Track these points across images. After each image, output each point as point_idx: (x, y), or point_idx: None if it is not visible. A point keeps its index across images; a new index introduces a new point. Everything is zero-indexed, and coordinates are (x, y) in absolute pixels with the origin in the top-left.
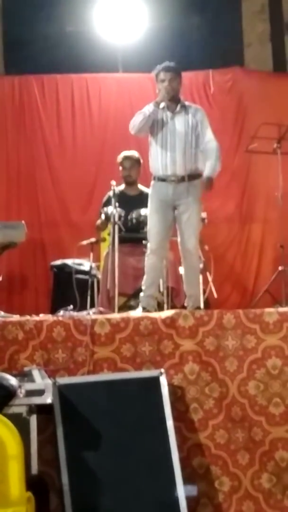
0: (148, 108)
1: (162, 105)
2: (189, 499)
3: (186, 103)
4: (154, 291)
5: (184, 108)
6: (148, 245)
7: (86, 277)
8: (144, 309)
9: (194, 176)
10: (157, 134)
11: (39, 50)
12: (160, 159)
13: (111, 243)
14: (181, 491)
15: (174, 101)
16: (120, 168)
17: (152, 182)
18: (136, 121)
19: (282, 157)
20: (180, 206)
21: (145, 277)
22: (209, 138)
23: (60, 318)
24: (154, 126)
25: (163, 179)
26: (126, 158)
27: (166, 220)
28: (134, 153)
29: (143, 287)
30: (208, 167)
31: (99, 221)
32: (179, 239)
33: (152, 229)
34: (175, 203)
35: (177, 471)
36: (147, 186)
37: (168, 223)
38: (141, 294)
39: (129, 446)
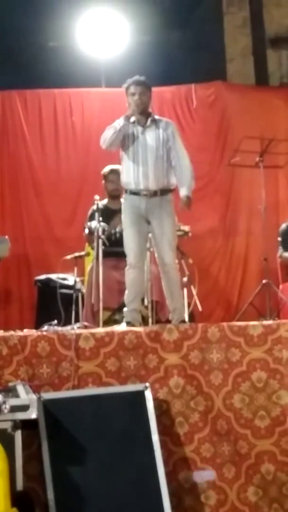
0: (119, 122)
1: (132, 119)
2: None
3: (156, 117)
4: (137, 305)
5: (155, 122)
6: (127, 259)
7: (71, 291)
8: (129, 324)
9: (166, 190)
10: (128, 148)
11: (21, 65)
12: (132, 174)
13: (95, 257)
14: (167, 505)
15: (144, 115)
16: (104, 181)
17: (124, 195)
18: (106, 136)
19: (264, 170)
20: (153, 221)
21: (126, 292)
22: (181, 154)
23: (45, 333)
24: (125, 140)
25: (136, 193)
26: (113, 171)
27: (142, 233)
28: (119, 167)
29: (126, 302)
30: (185, 186)
31: (85, 235)
32: (156, 254)
33: (129, 243)
34: (148, 217)
35: (163, 485)
36: None
37: (144, 236)
38: (125, 309)
39: (114, 461)
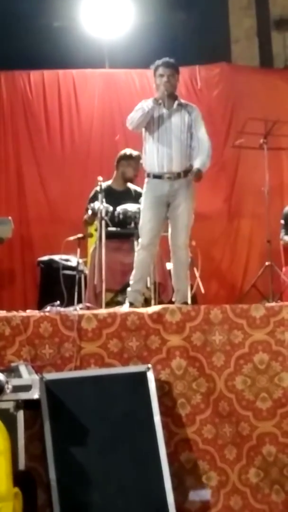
0: (147, 104)
1: (160, 101)
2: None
3: (183, 101)
4: (141, 287)
5: (181, 106)
6: (140, 240)
7: (73, 273)
8: (131, 305)
9: (189, 172)
10: (153, 131)
11: (25, 46)
12: (156, 156)
13: (98, 238)
14: (169, 486)
15: (171, 98)
16: (122, 164)
17: (147, 179)
18: (134, 117)
19: (268, 152)
20: (173, 202)
21: (134, 271)
22: (202, 136)
23: (47, 314)
24: (150, 122)
25: (159, 176)
26: (136, 157)
27: (159, 217)
28: (139, 153)
29: (131, 282)
30: (199, 160)
31: (86, 216)
32: (169, 234)
33: (145, 226)
34: (169, 200)
35: (164, 466)
36: None
37: (161, 220)
38: (129, 289)
39: (116, 441)
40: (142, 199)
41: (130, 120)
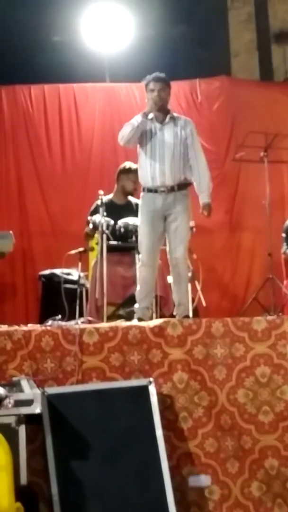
0: (137, 119)
1: (150, 115)
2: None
3: (175, 114)
4: (148, 303)
5: (173, 119)
6: (140, 257)
7: (75, 286)
8: (140, 320)
9: (183, 185)
10: (146, 145)
11: (26, 60)
12: (149, 170)
13: (99, 252)
14: (171, 500)
15: (162, 111)
16: (121, 178)
17: (142, 194)
18: (125, 132)
19: (269, 165)
20: (169, 216)
21: (138, 289)
22: (199, 156)
23: (49, 328)
24: (143, 137)
25: (153, 190)
26: (135, 170)
27: (157, 232)
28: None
29: (137, 299)
30: (204, 192)
31: (87, 229)
32: (167, 248)
33: (143, 241)
34: (165, 213)
35: (166, 480)
36: None
37: (159, 235)
38: (136, 305)
39: (118, 456)
40: (139, 214)
41: (120, 135)
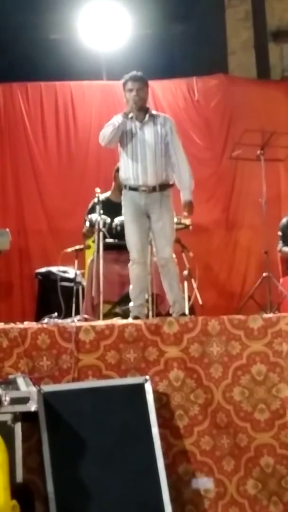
0: (117, 119)
1: (130, 115)
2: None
3: (154, 112)
4: (143, 300)
5: (153, 117)
6: (130, 255)
7: (71, 284)
8: (136, 318)
9: (165, 185)
10: (126, 144)
11: (23, 58)
12: (131, 169)
13: (96, 250)
14: (167, 498)
15: (142, 110)
16: (118, 177)
17: (124, 191)
18: (106, 133)
19: (265, 163)
20: (152, 216)
21: (131, 288)
22: (179, 152)
23: (45, 326)
24: (124, 137)
25: (135, 189)
26: None
27: (144, 228)
28: None
29: (131, 297)
30: (185, 190)
31: (85, 229)
32: (154, 249)
33: (131, 239)
34: (148, 212)
35: (162, 478)
36: None
37: (145, 231)
38: (131, 304)
39: (114, 453)
40: (122, 212)
41: (101, 136)
